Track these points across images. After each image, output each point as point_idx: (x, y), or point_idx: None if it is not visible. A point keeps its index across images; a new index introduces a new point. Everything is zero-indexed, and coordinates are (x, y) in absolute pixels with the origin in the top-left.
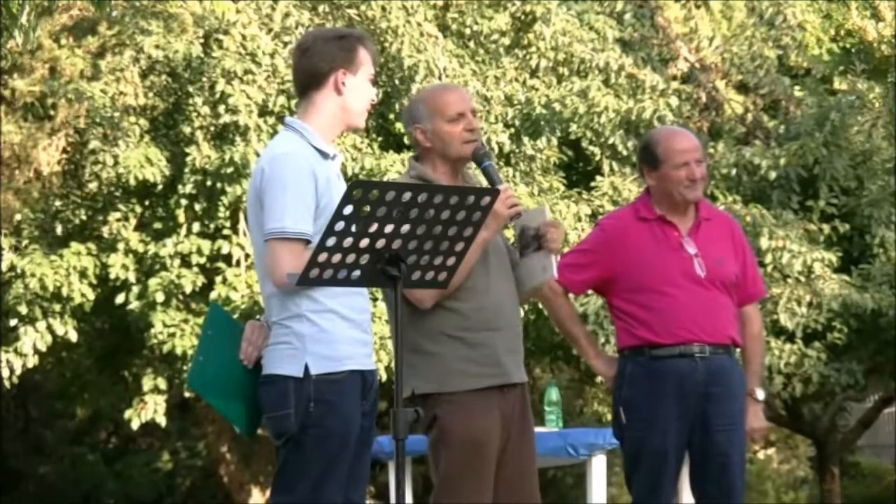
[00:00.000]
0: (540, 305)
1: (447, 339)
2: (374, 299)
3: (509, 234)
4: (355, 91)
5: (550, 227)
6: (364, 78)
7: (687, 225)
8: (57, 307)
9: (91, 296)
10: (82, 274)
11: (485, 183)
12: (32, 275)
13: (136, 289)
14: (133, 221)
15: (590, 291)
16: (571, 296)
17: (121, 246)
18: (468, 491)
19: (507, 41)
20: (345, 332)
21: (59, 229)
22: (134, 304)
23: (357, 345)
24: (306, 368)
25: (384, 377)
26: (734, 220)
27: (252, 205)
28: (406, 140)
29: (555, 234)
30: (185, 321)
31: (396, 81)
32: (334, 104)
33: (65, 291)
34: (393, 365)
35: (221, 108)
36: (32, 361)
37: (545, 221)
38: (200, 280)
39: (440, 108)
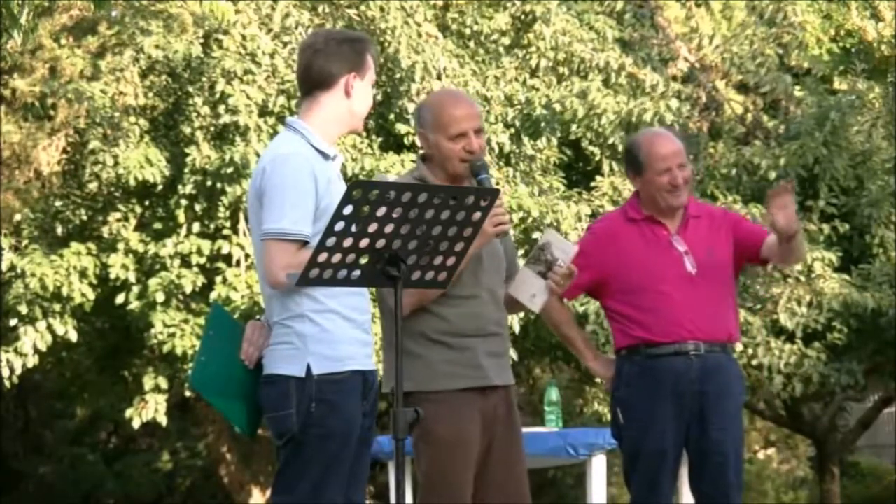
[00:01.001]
0: None
1: (429, 342)
2: (375, 300)
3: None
4: (362, 95)
5: (564, 270)
6: (369, 82)
7: (676, 223)
8: (57, 307)
9: (91, 296)
10: (82, 274)
11: None
12: (32, 275)
13: (136, 289)
14: (133, 221)
15: None
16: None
17: (121, 246)
18: (448, 491)
19: (507, 41)
20: (346, 333)
21: (59, 229)
22: (134, 304)
23: (358, 345)
24: (308, 368)
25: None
26: (723, 210)
27: (252, 204)
28: (406, 141)
29: (563, 277)
30: (186, 321)
31: (396, 82)
32: (342, 107)
33: (65, 291)
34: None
35: (221, 109)
36: (32, 361)
37: (566, 261)
38: (200, 280)
39: (444, 124)
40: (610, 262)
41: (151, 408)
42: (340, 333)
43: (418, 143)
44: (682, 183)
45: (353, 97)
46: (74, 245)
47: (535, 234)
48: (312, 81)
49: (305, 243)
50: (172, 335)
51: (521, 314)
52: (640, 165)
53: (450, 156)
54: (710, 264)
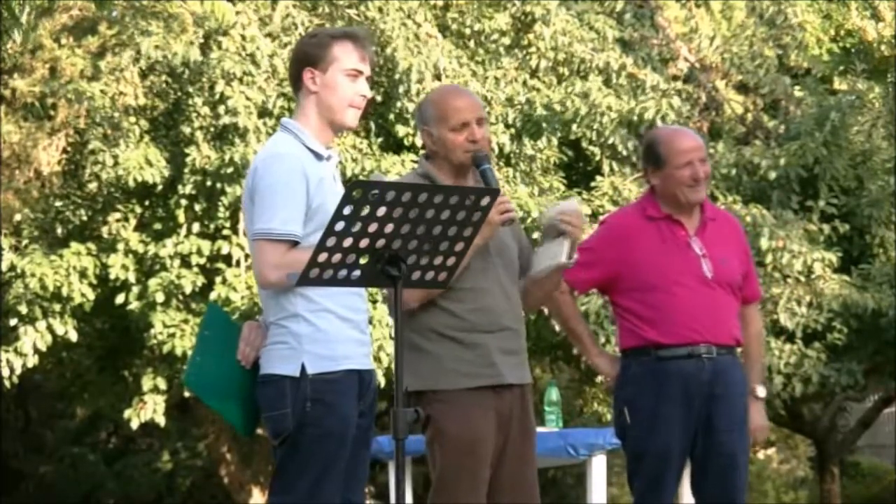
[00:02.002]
0: None
1: (440, 337)
2: (373, 301)
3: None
4: (328, 88)
5: (572, 212)
6: (337, 74)
7: (694, 224)
8: (57, 307)
9: (91, 296)
10: (82, 274)
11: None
12: (32, 275)
13: (135, 289)
14: (133, 222)
15: (591, 291)
16: (575, 294)
17: (121, 246)
18: (462, 491)
19: (507, 41)
20: (342, 332)
21: (58, 230)
22: (134, 305)
23: (354, 344)
24: (303, 368)
25: (383, 382)
26: (737, 220)
27: (246, 204)
28: (406, 142)
29: (573, 218)
30: (185, 321)
31: (395, 83)
32: (311, 103)
33: (65, 291)
34: (391, 367)
35: (221, 109)
36: (32, 361)
37: (569, 208)
38: (200, 280)
39: (446, 115)
40: (624, 258)
41: (150, 408)
42: (336, 333)
43: (421, 141)
44: (703, 177)
45: (320, 92)
46: (74, 245)
47: (535, 235)
48: (291, 83)
49: (296, 243)
50: (172, 335)
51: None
52: (660, 160)
53: (454, 147)
54: (724, 269)
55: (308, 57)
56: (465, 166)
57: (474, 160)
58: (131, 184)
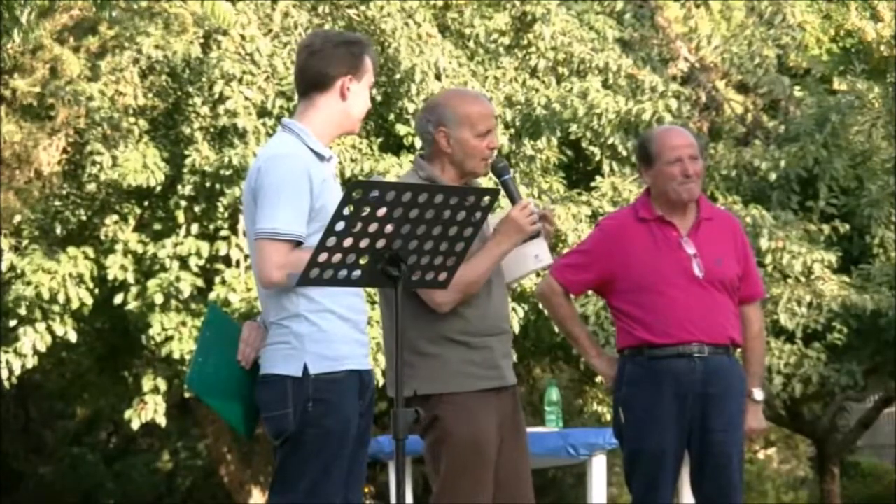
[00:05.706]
0: (540, 306)
1: (449, 342)
2: (372, 302)
3: None
4: (358, 97)
5: (543, 214)
6: (366, 85)
7: (687, 225)
8: (56, 308)
9: (89, 300)
10: (80, 280)
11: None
12: (29, 283)
13: (134, 290)
14: (132, 223)
15: (590, 293)
16: (572, 296)
17: (119, 247)
18: (469, 492)
19: (506, 41)
20: (343, 332)
21: (58, 230)
22: (132, 305)
23: (355, 345)
24: (305, 368)
25: (381, 382)
26: (736, 219)
27: (248, 204)
28: (405, 142)
29: (552, 216)
30: (183, 323)
31: (396, 83)
32: (337, 108)
33: (61, 298)
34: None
35: (221, 109)
36: (32, 362)
37: (538, 211)
38: (199, 282)
39: (471, 120)
40: (617, 260)
41: (150, 409)
42: (337, 333)
43: (440, 143)
44: (694, 174)
45: (349, 100)
46: (71, 250)
47: None
48: (308, 83)
49: (299, 244)
50: (170, 338)
51: (521, 315)
52: (651, 157)
53: (474, 153)
54: (717, 269)
55: (350, 64)
56: (475, 173)
57: (495, 171)
58: (126, 188)
